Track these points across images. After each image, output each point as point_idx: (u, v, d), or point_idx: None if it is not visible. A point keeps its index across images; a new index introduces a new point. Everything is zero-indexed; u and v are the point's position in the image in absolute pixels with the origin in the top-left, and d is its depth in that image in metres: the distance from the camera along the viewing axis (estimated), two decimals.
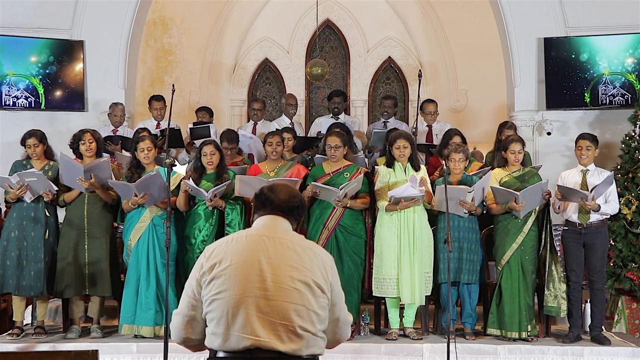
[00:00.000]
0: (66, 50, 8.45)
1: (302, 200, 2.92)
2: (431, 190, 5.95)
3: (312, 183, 5.86)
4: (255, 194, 2.92)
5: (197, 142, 6.84)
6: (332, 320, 2.80)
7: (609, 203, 5.97)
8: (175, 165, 7.39)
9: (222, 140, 6.81)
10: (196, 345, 2.83)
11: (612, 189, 6.01)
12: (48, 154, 6.14)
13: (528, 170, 6.19)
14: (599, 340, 5.91)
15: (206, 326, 2.74)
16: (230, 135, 6.94)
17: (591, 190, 5.82)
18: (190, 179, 5.87)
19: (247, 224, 5.85)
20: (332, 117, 8.01)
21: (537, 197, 5.93)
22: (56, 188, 5.93)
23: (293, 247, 2.75)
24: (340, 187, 5.77)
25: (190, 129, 7.54)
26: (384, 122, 7.90)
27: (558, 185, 5.95)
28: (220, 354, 2.70)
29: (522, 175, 6.10)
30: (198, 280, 2.74)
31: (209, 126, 7.43)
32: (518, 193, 5.79)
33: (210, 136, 7.11)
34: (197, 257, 2.85)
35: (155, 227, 5.83)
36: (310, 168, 6.45)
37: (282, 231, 2.81)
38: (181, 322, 2.79)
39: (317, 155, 6.70)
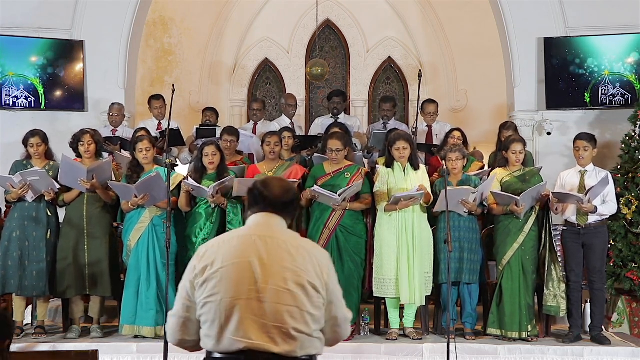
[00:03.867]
0: (66, 50, 8.43)
1: (295, 194, 2.87)
2: (430, 191, 5.94)
3: (311, 188, 5.84)
4: (248, 189, 2.86)
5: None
6: (329, 318, 2.75)
7: (607, 204, 5.96)
8: (177, 165, 7.40)
9: (222, 134, 6.82)
10: (192, 346, 2.81)
11: (611, 190, 6.00)
12: (48, 154, 6.15)
13: (529, 170, 6.19)
14: (599, 340, 5.91)
15: (201, 327, 2.72)
16: (231, 129, 6.99)
17: (586, 193, 5.81)
18: (190, 178, 5.88)
19: None
20: (331, 117, 7.99)
21: (536, 197, 5.93)
22: (58, 186, 5.93)
23: (286, 247, 2.70)
24: (338, 193, 5.75)
25: (197, 129, 7.56)
26: (383, 123, 7.88)
27: (552, 192, 5.94)
28: (216, 355, 2.68)
29: (523, 175, 6.10)
30: (191, 282, 2.71)
31: (215, 129, 7.45)
32: (518, 198, 5.80)
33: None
34: None
35: (155, 228, 5.83)
36: (308, 168, 6.44)
37: (276, 230, 2.75)
38: (176, 324, 2.76)
39: (316, 155, 6.70)
